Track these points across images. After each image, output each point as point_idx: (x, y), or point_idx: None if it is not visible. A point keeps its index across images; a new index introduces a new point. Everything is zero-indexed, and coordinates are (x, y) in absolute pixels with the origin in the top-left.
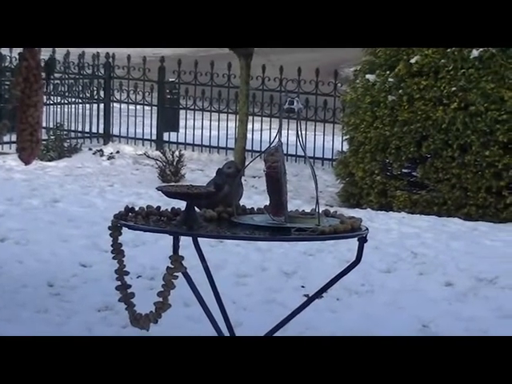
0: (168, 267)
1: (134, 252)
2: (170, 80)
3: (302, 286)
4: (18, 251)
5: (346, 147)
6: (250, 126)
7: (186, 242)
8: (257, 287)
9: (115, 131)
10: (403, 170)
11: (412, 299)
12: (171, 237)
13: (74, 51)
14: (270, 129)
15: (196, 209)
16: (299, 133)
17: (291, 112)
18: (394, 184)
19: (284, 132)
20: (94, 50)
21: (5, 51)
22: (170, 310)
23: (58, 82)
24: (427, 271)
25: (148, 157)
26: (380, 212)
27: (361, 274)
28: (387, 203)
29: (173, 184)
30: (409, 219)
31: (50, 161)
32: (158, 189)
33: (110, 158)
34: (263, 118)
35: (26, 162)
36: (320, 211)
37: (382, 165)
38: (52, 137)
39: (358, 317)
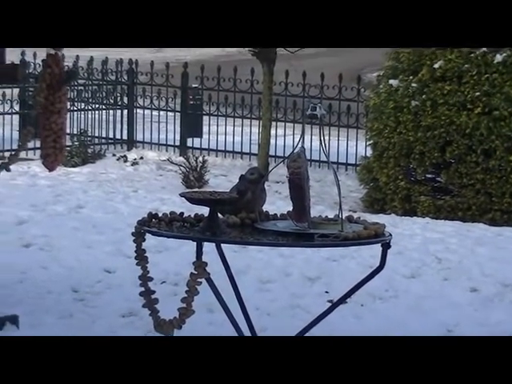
0: (192, 273)
1: (158, 258)
2: (193, 86)
3: (326, 292)
4: (43, 257)
5: (369, 152)
6: (273, 132)
7: (209, 247)
8: (280, 293)
9: (139, 137)
10: (427, 176)
11: (436, 305)
12: (194, 243)
13: (98, 57)
14: (294, 134)
15: (219, 215)
16: (322, 138)
17: (314, 118)
18: (418, 189)
19: (307, 137)
20: (117, 56)
21: (29, 58)
22: (194, 316)
23: (82, 88)
24: (452, 277)
25: (171, 162)
26: (404, 217)
27: (385, 279)
28: (411, 208)
29: (196, 190)
30: (433, 224)
31: (74, 167)
32: (182, 195)
33: (134, 163)
34: (286, 124)
35: (50, 169)
36: (343, 217)
37: (405, 170)
38: (76, 143)
39: (382, 322)
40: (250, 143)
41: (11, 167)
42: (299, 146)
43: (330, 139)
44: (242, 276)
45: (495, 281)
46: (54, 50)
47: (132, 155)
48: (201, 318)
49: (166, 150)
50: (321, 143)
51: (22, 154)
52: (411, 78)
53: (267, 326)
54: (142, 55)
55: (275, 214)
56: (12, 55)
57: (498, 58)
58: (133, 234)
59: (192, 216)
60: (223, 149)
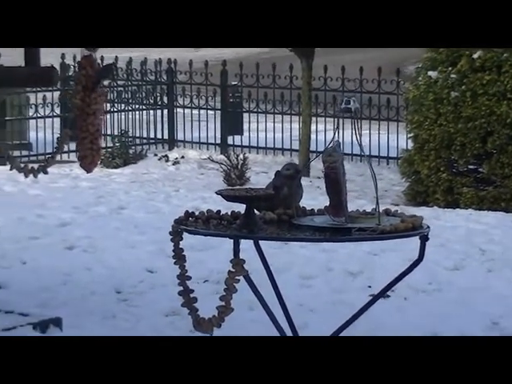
0: (229, 271)
1: (201, 256)
2: (233, 83)
3: (369, 286)
4: (86, 259)
5: (410, 145)
6: (313, 127)
7: (249, 245)
8: (323, 288)
9: (179, 136)
10: (469, 167)
11: (481, 296)
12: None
13: (137, 58)
14: (334, 129)
15: (256, 212)
16: (357, 132)
17: (348, 112)
18: (460, 181)
19: (348, 132)
20: (156, 57)
21: (68, 60)
22: (235, 314)
23: (122, 89)
24: (496, 268)
25: (212, 161)
26: (447, 209)
27: (428, 272)
28: (454, 200)
29: (232, 188)
30: (476, 216)
31: (115, 168)
32: (218, 193)
33: (175, 163)
34: (326, 119)
35: (88, 170)
36: (381, 210)
37: (447, 162)
38: (117, 144)
39: (425, 315)
40: (291, 139)
41: (52, 170)
42: (334, 140)
43: (370, 133)
44: (284, 272)
45: None
46: (89, 52)
47: (173, 155)
48: (242, 315)
49: (207, 149)
50: (356, 137)
51: (64, 157)
52: (450, 69)
53: (310, 321)
54: (181, 54)
55: (312, 210)
56: (52, 58)
57: None
58: (170, 233)
59: (229, 213)
60: (264, 146)
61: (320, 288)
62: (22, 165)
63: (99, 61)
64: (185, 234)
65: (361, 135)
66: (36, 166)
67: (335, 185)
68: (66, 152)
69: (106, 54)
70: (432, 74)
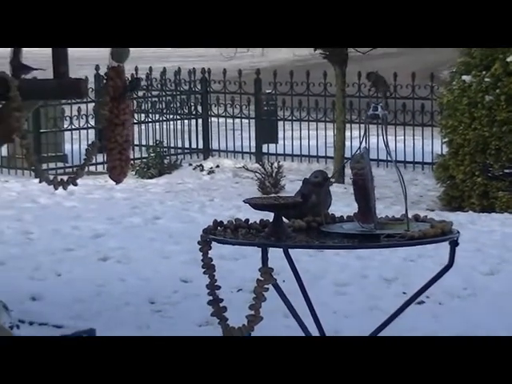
0: (258, 280)
1: (235, 265)
2: (267, 92)
3: (404, 293)
4: (120, 269)
5: (445, 150)
6: (348, 134)
7: (282, 252)
8: (357, 295)
9: (214, 146)
10: (505, 171)
11: None
12: (268, 249)
13: (171, 68)
14: (368, 135)
15: (285, 220)
16: (385, 138)
17: (376, 118)
18: (495, 185)
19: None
20: (190, 66)
21: (103, 72)
22: (269, 321)
23: (156, 99)
24: None
25: (247, 169)
26: (482, 214)
27: (463, 277)
28: (489, 205)
29: (260, 196)
30: None
31: (150, 178)
32: (246, 201)
33: (210, 172)
34: (361, 125)
35: (117, 181)
36: (410, 216)
37: (482, 166)
38: (152, 154)
39: (460, 321)
40: (326, 146)
41: (87, 181)
42: (362, 146)
43: (404, 138)
44: (319, 280)
45: None
46: (116, 63)
47: (208, 164)
48: (276, 322)
49: (242, 158)
50: (384, 143)
51: (99, 168)
52: (484, 72)
53: (343, 328)
54: (215, 64)
55: (341, 216)
56: (87, 69)
57: None
58: (198, 242)
59: (257, 222)
60: (299, 153)
61: (355, 295)
62: (52, 177)
63: (133, 71)
64: (215, 244)
65: (387, 141)
66: (65, 177)
67: (363, 191)
68: (100, 163)
69: (141, 65)
70: (466, 78)
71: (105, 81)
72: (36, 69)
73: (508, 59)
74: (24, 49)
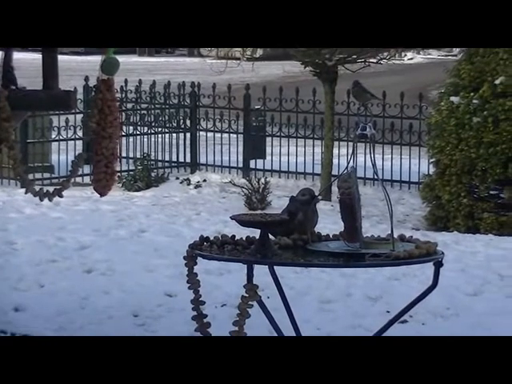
0: (243, 296)
1: (220, 281)
2: (256, 107)
3: (387, 311)
4: (104, 282)
5: (432, 170)
6: (336, 151)
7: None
8: (342, 313)
9: (202, 160)
10: (490, 192)
11: (499, 322)
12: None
13: (160, 81)
14: (356, 154)
15: (271, 237)
16: (372, 157)
17: (364, 137)
18: (480, 206)
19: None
20: (179, 80)
21: (92, 83)
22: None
23: (145, 112)
24: None
25: (234, 185)
26: (467, 235)
27: (446, 297)
28: (474, 225)
29: (247, 213)
30: (496, 241)
31: (137, 191)
32: (232, 218)
33: (197, 186)
34: (349, 143)
35: (101, 194)
36: (395, 236)
37: (468, 187)
38: (139, 167)
39: None
40: (313, 163)
41: (74, 193)
42: (350, 166)
43: (392, 157)
44: (304, 297)
45: None
46: (106, 75)
47: (195, 178)
48: None
49: (230, 172)
50: (371, 162)
51: (86, 179)
52: (472, 94)
53: None
54: (205, 78)
55: (327, 235)
56: (76, 80)
57: None
58: (184, 257)
59: (244, 238)
60: (286, 170)
61: (339, 312)
62: (38, 188)
63: (123, 83)
64: (201, 258)
65: (375, 160)
66: (51, 189)
67: (350, 211)
68: (87, 175)
69: (131, 78)
70: (454, 99)
71: (94, 93)
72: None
73: (496, 81)
74: (15, 57)
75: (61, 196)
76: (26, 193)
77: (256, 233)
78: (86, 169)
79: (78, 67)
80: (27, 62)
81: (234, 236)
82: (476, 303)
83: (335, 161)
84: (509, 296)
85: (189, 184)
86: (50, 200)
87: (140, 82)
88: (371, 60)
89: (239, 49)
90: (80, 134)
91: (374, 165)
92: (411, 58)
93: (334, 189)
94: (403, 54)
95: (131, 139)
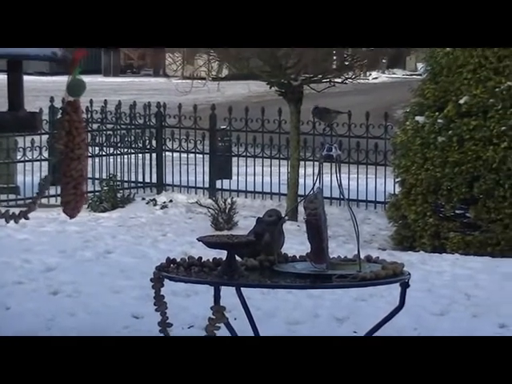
0: (210, 318)
1: (187, 302)
2: (222, 127)
3: (354, 332)
4: (70, 304)
5: (397, 190)
6: (302, 171)
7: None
8: (309, 334)
9: (168, 180)
10: (456, 211)
11: None
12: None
13: (126, 101)
14: (322, 174)
15: (238, 258)
16: (338, 178)
17: (330, 158)
18: (446, 226)
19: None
20: (145, 100)
21: (58, 104)
22: None
23: (111, 132)
24: (481, 313)
25: (200, 205)
26: (433, 254)
27: (414, 317)
28: (440, 245)
29: (213, 234)
30: (462, 261)
31: (103, 212)
32: (199, 239)
33: (164, 207)
34: (315, 163)
35: (71, 216)
36: (362, 257)
37: (434, 206)
38: (105, 188)
39: None
40: (279, 183)
41: (40, 214)
42: (316, 186)
43: (358, 177)
44: (271, 318)
45: None
46: (73, 97)
47: (161, 198)
48: None
49: (196, 193)
50: (338, 183)
51: (52, 201)
52: (437, 114)
53: None
54: (171, 98)
55: (294, 256)
56: (41, 101)
57: None
58: (151, 279)
59: (210, 260)
60: (252, 190)
61: (306, 334)
62: (3, 210)
63: (88, 104)
64: (168, 280)
65: (341, 181)
66: (17, 211)
67: (316, 232)
68: (53, 196)
69: (96, 98)
70: (419, 118)
71: (60, 115)
72: None
73: (461, 101)
74: None
75: (27, 218)
76: None
77: (223, 254)
78: (52, 190)
79: (43, 87)
80: None
81: (200, 258)
82: (443, 323)
83: (301, 180)
84: (475, 315)
85: (155, 205)
86: (16, 222)
87: (105, 102)
88: (336, 80)
89: (204, 69)
90: (46, 154)
91: (339, 185)
92: (376, 78)
93: (301, 209)
94: (368, 73)
95: (97, 160)
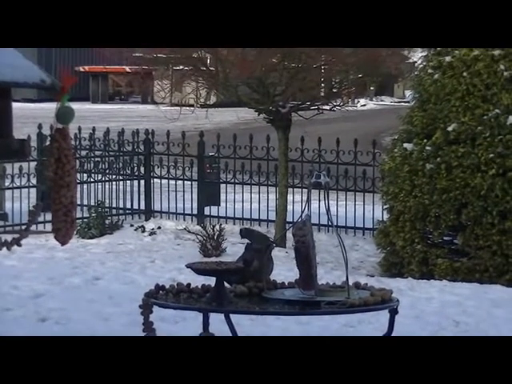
0: None
1: (175, 328)
2: (210, 154)
3: None
4: (58, 331)
5: (385, 216)
6: (290, 198)
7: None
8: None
9: (156, 207)
10: (444, 238)
11: None
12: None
13: (114, 129)
14: (310, 200)
15: (227, 285)
16: (327, 205)
17: (318, 185)
18: (434, 252)
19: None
20: (133, 127)
21: (46, 131)
22: None
23: (99, 159)
24: None
25: (189, 232)
26: (421, 281)
27: None
28: (428, 271)
29: (202, 261)
30: (450, 287)
31: (91, 238)
32: (188, 266)
33: (152, 233)
34: (303, 190)
35: (62, 243)
36: (351, 284)
37: (422, 233)
38: (93, 214)
39: None
40: (268, 210)
41: (29, 241)
42: (304, 213)
43: (346, 204)
44: None
45: None
46: (61, 124)
47: (150, 225)
48: None
49: (184, 219)
50: (326, 209)
51: (40, 227)
52: (425, 141)
53: None
54: (159, 125)
55: (283, 283)
56: (29, 127)
57: (511, 119)
58: (140, 306)
59: (199, 287)
60: (241, 216)
61: None
62: None
63: (77, 130)
64: (156, 306)
65: (329, 207)
66: (9, 238)
67: (305, 258)
68: (42, 222)
69: (84, 125)
70: (407, 145)
71: (49, 142)
72: None
73: (449, 128)
74: None
75: (19, 245)
76: None
77: (211, 280)
78: (41, 216)
79: (30, 114)
80: None
81: (189, 284)
82: None
83: (289, 207)
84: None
85: (143, 231)
86: (9, 249)
87: (94, 129)
88: (324, 107)
89: (193, 96)
90: (34, 181)
91: (328, 211)
92: (364, 105)
93: (289, 235)
94: (356, 100)
95: (85, 186)
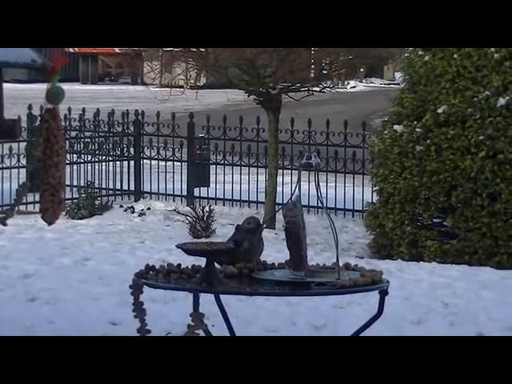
0: (189, 325)
1: (165, 309)
2: (200, 135)
3: None
4: (48, 311)
5: (375, 198)
6: (280, 179)
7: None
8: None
9: (146, 188)
10: (433, 220)
11: None
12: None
13: (104, 109)
14: (295, 183)
15: (217, 265)
16: (317, 186)
17: (309, 166)
18: (424, 234)
19: (314, 185)
20: (123, 108)
21: (35, 111)
22: None
23: (89, 140)
24: (458, 321)
25: (178, 213)
26: (411, 262)
27: (391, 326)
28: (418, 253)
29: (192, 242)
30: (440, 269)
31: (81, 219)
32: (178, 246)
33: (141, 214)
34: (293, 171)
35: (49, 223)
36: (341, 265)
37: (411, 215)
38: (83, 195)
39: None
40: (257, 191)
41: (18, 221)
42: (295, 194)
43: (336, 186)
44: (249, 325)
45: (501, 325)
46: (52, 105)
47: (139, 206)
48: None
49: (174, 200)
50: (316, 191)
51: (29, 207)
52: (415, 123)
53: None
54: (149, 105)
55: (273, 263)
56: (19, 108)
57: (501, 101)
58: (130, 286)
59: (189, 267)
60: (230, 198)
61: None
62: None
63: (67, 111)
64: (146, 287)
65: (321, 189)
66: None
67: (295, 239)
68: (31, 203)
69: (74, 106)
70: (397, 127)
71: (39, 122)
72: None
73: (439, 110)
74: None
75: (5, 225)
76: None
77: (201, 261)
78: (30, 197)
79: (20, 95)
80: None
81: (179, 265)
82: (420, 331)
83: (279, 189)
84: (452, 324)
85: (133, 212)
86: None
87: (84, 110)
88: (314, 88)
89: (183, 77)
90: (24, 162)
91: (318, 192)
92: (354, 87)
93: (279, 217)
94: (346, 82)
95: (75, 167)
